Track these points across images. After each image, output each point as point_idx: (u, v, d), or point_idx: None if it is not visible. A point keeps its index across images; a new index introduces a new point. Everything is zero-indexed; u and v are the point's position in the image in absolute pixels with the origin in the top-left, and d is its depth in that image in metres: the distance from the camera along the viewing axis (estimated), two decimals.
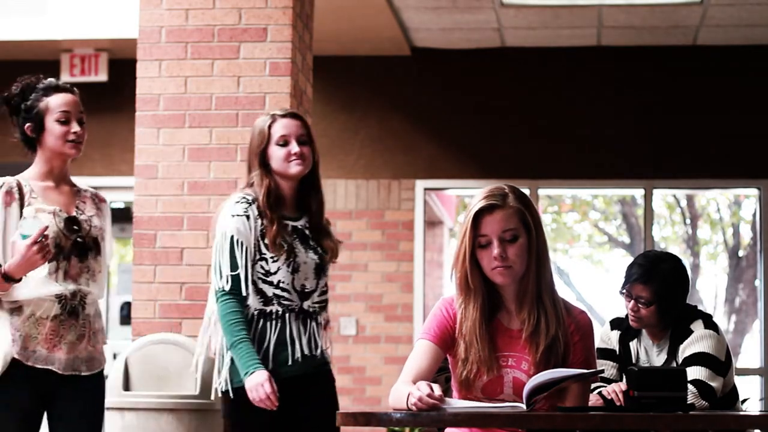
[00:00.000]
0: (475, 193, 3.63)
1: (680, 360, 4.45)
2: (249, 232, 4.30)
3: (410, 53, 9.38)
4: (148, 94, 6.25)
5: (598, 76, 9.32)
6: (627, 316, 4.60)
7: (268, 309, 4.30)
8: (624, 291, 4.56)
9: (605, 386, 4.38)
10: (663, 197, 16.16)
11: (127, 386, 5.77)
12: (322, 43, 8.01)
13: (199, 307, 6.12)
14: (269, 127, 4.41)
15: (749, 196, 14.58)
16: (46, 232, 4.02)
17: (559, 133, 9.24)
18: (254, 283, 4.30)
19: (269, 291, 4.30)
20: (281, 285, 4.30)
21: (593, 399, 4.25)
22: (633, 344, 4.63)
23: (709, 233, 17.05)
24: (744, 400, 5.27)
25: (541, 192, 9.56)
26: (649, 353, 4.60)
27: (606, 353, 4.63)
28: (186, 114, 6.23)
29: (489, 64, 9.33)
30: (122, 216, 9.87)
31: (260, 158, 4.40)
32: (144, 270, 6.14)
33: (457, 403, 3.37)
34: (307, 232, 4.40)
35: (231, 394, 4.31)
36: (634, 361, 4.61)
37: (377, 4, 8.28)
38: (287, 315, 4.31)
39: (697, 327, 4.49)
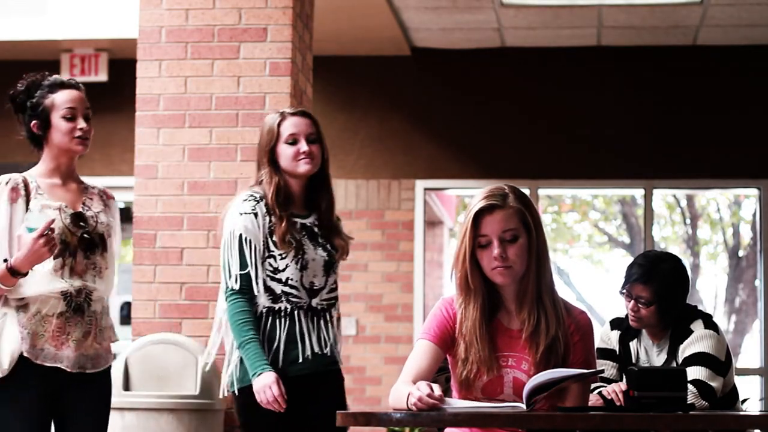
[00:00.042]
0: (475, 193, 3.63)
1: (680, 360, 4.45)
2: (257, 230, 4.28)
3: (410, 53, 9.38)
4: (148, 94, 6.25)
5: (598, 76, 9.32)
6: (627, 316, 4.60)
7: (277, 306, 4.28)
8: (624, 291, 4.56)
9: (605, 386, 4.38)
10: (663, 197, 16.16)
11: (127, 386, 5.77)
12: (322, 43, 8.01)
13: (199, 307, 6.13)
14: (278, 125, 4.40)
15: (749, 196, 14.58)
16: (52, 226, 4.00)
17: (559, 133, 9.24)
18: (263, 280, 4.29)
19: (278, 288, 4.28)
20: (290, 282, 4.29)
21: (593, 399, 4.25)
22: (633, 344, 4.63)
23: (709, 233, 17.05)
24: (744, 400, 5.27)
25: (541, 192, 9.56)
26: (649, 353, 4.60)
27: (606, 353, 4.63)
28: (186, 114, 6.23)
29: (489, 64, 9.33)
30: (122, 216, 9.88)
31: (269, 156, 4.38)
32: (144, 270, 6.15)
33: (457, 403, 3.37)
34: (316, 229, 4.39)
35: (236, 393, 4.29)
36: (634, 361, 4.61)
37: (377, 4, 8.28)
38: (296, 312, 4.29)
39: (697, 327, 4.49)
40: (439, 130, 9.33)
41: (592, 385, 4.32)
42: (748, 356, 15.67)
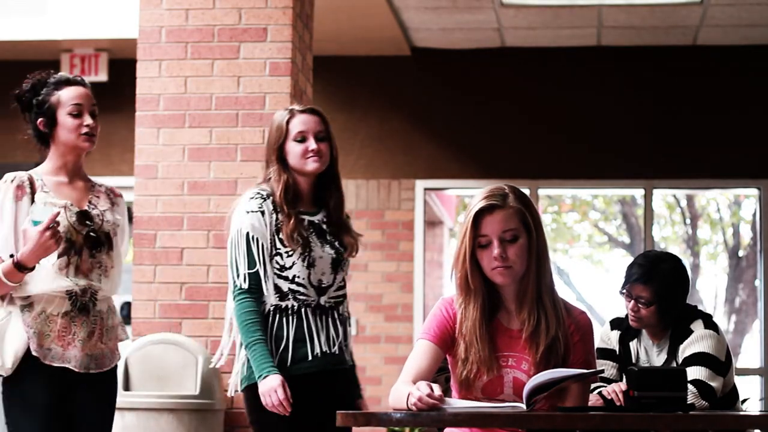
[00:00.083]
0: (475, 193, 3.63)
1: (680, 360, 4.45)
2: (264, 228, 4.26)
3: (410, 53, 9.39)
4: (148, 94, 6.25)
5: (598, 76, 9.32)
6: (627, 316, 4.59)
7: (284, 304, 4.25)
8: (624, 291, 4.56)
9: (605, 386, 4.38)
10: (663, 197, 16.17)
11: (127, 386, 5.77)
12: (322, 43, 8.01)
13: (199, 307, 6.13)
14: (287, 122, 4.36)
15: (749, 196, 14.59)
16: (57, 219, 3.97)
17: (559, 133, 9.24)
18: (271, 278, 4.26)
19: (285, 286, 4.25)
20: (297, 280, 4.26)
21: (593, 399, 4.25)
22: (633, 344, 4.63)
23: (709, 233, 17.05)
24: (744, 400, 5.27)
25: (541, 192, 9.56)
26: (649, 353, 4.60)
27: (606, 353, 4.63)
28: (186, 114, 6.23)
29: (489, 64, 9.34)
30: None
31: (278, 153, 4.35)
32: (144, 270, 6.15)
33: (457, 403, 3.37)
34: (324, 226, 4.36)
35: (246, 390, 4.27)
36: (634, 361, 4.61)
37: (377, 4, 8.28)
38: (303, 310, 4.26)
39: (697, 327, 4.49)
40: (439, 130, 9.34)
41: (592, 385, 4.32)
42: (748, 356, 15.67)
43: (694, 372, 4.35)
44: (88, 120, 4.17)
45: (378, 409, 4.43)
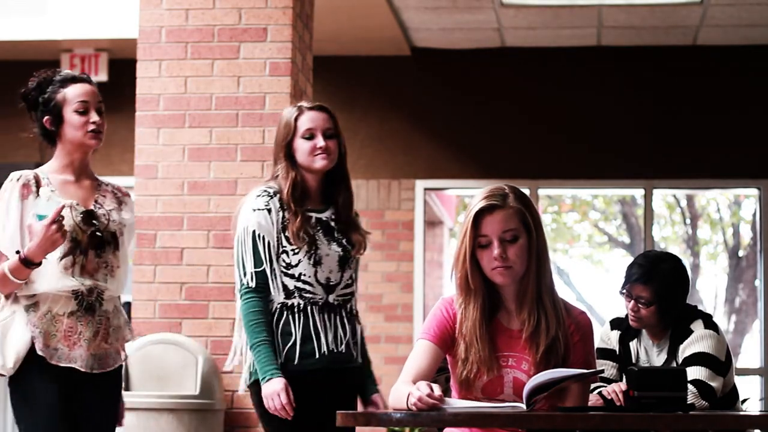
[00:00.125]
0: (475, 193, 3.63)
1: (680, 360, 4.45)
2: (271, 226, 4.23)
3: (410, 53, 9.39)
4: (148, 94, 6.25)
5: (598, 76, 9.32)
6: (627, 316, 4.59)
7: (290, 302, 4.22)
8: (624, 291, 4.56)
9: (605, 386, 4.38)
10: (663, 197, 16.17)
11: (127, 386, 5.78)
12: (322, 43, 8.02)
13: (199, 307, 6.13)
14: (296, 119, 4.34)
15: (749, 196, 14.59)
16: (62, 213, 3.94)
17: (559, 133, 9.24)
18: (278, 276, 4.23)
19: (291, 284, 4.23)
20: (302, 278, 4.23)
21: (593, 399, 4.25)
22: (633, 344, 4.63)
23: (709, 233, 17.05)
24: (744, 400, 5.28)
25: (541, 192, 9.56)
26: (649, 353, 4.60)
27: (606, 353, 4.63)
28: (186, 114, 6.23)
29: (489, 64, 9.34)
30: None
31: (286, 151, 4.32)
32: (144, 270, 6.15)
33: (457, 403, 3.37)
34: (332, 224, 4.33)
35: (254, 386, 4.25)
36: (634, 361, 4.61)
37: (377, 4, 8.28)
38: (309, 308, 4.24)
39: (697, 327, 4.49)
40: (439, 130, 9.34)
41: (592, 385, 4.32)
42: (748, 356, 15.67)
43: (694, 372, 4.35)
44: (94, 117, 4.15)
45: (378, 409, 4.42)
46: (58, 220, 3.93)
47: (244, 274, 4.23)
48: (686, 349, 4.45)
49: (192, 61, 6.25)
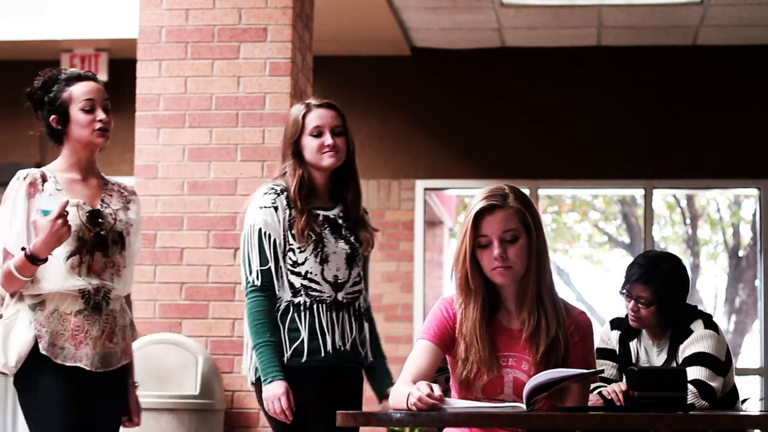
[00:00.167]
0: (475, 193, 3.63)
1: (680, 360, 4.45)
2: (277, 224, 4.21)
3: (410, 53, 9.39)
4: (148, 94, 6.25)
5: (598, 76, 9.32)
6: (627, 316, 4.59)
7: (297, 300, 4.20)
8: (624, 291, 4.56)
9: (605, 386, 4.38)
10: (663, 197, 16.17)
11: None
12: (322, 43, 8.02)
13: (199, 307, 6.13)
14: (303, 116, 4.32)
15: (749, 196, 14.59)
16: (67, 208, 3.91)
17: (559, 133, 9.24)
18: (284, 274, 4.21)
19: (297, 282, 4.21)
20: (309, 276, 4.21)
21: (593, 399, 4.25)
22: (633, 344, 4.63)
23: (709, 233, 17.05)
24: (744, 400, 5.28)
25: (541, 192, 9.56)
26: (649, 353, 4.60)
27: (606, 353, 4.63)
28: (186, 114, 6.23)
29: (489, 64, 9.34)
30: None
31: (293, 148, 4.30)
32: (144, 270, 6.15)
33: (457, 403, 3.37)
34: (340, 221, 4.31)
35: (259, 382, 4.23)
36: (634, 361, 4.61)
37: (377, 4, 8.28)
38: (316, 306, 4.21)
39: (697, 327, 4.49)
40: (439, 130, 9.34)
41: (592, 385, 4.32)
42: (748, 356, 15.67)
43: (694, 372, 4.35)
44: (101, 115, 4.12)
45: (378, 409, 4.42)
46: (63, 214, 3.89)
47: (250, 272, 4.21)
48: (686, 349, 4.45)
49: (192, 61, 6.25)
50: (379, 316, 9.24)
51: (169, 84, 6.24)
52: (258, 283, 4.20)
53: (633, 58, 9.29)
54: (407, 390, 3.32)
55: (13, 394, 10.06)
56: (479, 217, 3.50)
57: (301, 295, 4.22)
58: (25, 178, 4.07)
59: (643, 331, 4.61)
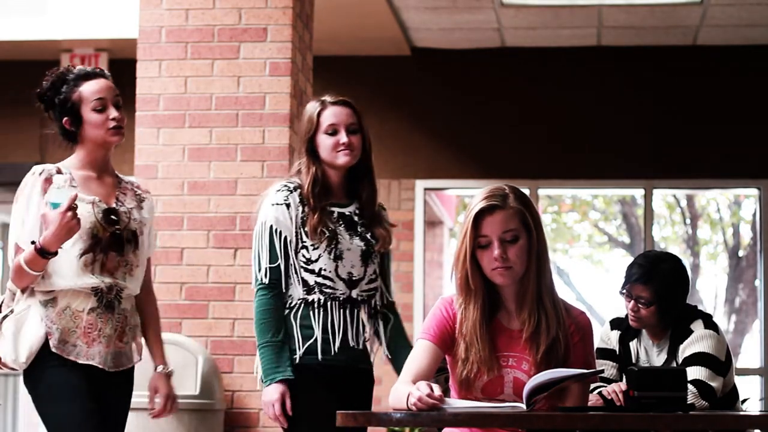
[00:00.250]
0: (475, 193, 3.63)
1: (680, 360, 4.45)
2: (289, 222, 4.17)
3: (410, 53, 9.39)
4: (148, 94, 6.26)
5: (598, 76, 9.32)
6: (627, 316, 4.60)
7: (311, 298, 4.16)
8: (624, 291, 4.56)
9: (605, 386, 4.38)
10: (663, 197, 16.17)
11: None
12: (322, 43, 8.02)
13: (199, 307, 6.13)
14: (318, 114, 4.29)
15: (749, 196, 14.59)
16: (75, 203, 3.87)
17: (559, 133, 9.24)
18: (297, 272, 4.18)
19: (311, 279, 4.16)
20: (323, 273, 4.17)
21: (593, 399, 4.25)
22: (633, 344, 4.63)
23: (709, 233, 17.05)
24: (744, 400, 5.27)
25: (541, 192, 9.56)
26: (649, 353, 4.60)
27: (606, 353, 4.63)
28: (186, 114, 6.24)
29: (489, 64, 9.34)
30: None
31: (308, 146, 4.27)
32: None
33: (457, 403, 3.37)
34: (356, 218, 4.27)
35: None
36: (634, 361, 4.61)
37: (377, 4, 8.28)
38: (329, 304, 4.17)
39: (697, 327, 4.49)
40: (439, 130, 9.34)
41: (592, 385, 4.32)
42: (748, 356, 15.67)
43: (694, 372, 4.35)
44: (113, 113, 4.10)
45: (378, 409, 4.42)
46: (73, 207, 3.86)
47: (259, 269, 4.18)
48: (686, 349, 4.45)
49: (192, 61, 6.25)
50: None
51: (169, 84, 6.24)
52: (266, 280, 4.16)
53: (633, 58, 9.29)
54: (407, 390, 3.32)
55: (13, 394, 10.06)
56: (479, 217, 3.50)
57: (315, 293, 4.17)
58: (40, 174, 4.03)
59: (643, 331, 4.61)
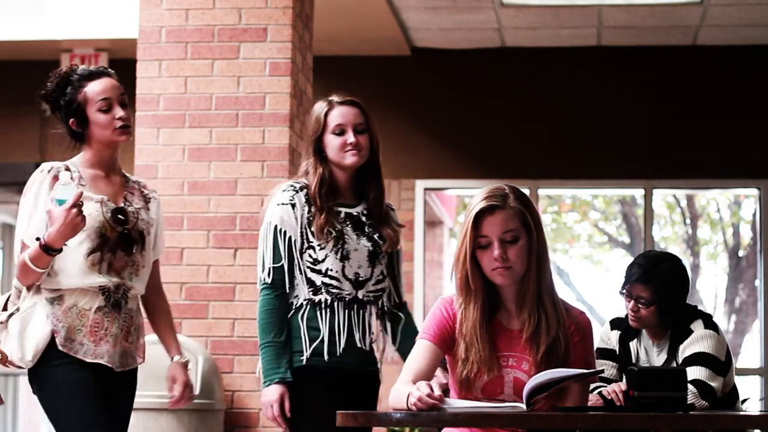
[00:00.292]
0: (475, 193, 3.63)
1: (680, 360, 4.45)
2: (294, 221, 4.15)
3: (410, 53, 9.39)
4: (148, 94, 6.26)
5: (598, 76, 9.32)
6: (627, 316, 4.59)
7: (317, 298, 4.13)
8: (624, 291, 4.56)
9: (605, 386, 4.38)
10: (663, 197, 16.17)
11: None
12: (322, 43, 8.02)
13: (199, 307, 6.13)
14: (326, 114, 4.29)
15: (749, 196, 14.58)
16: (81, 201, 3.86)
17: (559, 133, 9.24)
18: (303, 272, 4.15)
19: (318, 280, 4.13)
20: (329, 273, 4.14)
21: (593, 399, 4.25)
22: (633, 344, 4.63)
23: (709, 233, 17.05)
24: (744, 400, 5.28)
25: (541, 192, 9.56)
26: (649, 353, 4.60)
27: (606, 353, 4.63)
28: (186, 114, 6.24)
29: (489, 64, 9.34)
30: None
31: (315, 146, 4.25)
32: None
33: (457, 403, 3.37)
34: (363, 219, 4.25)
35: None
36: (634, 361, 4.61)
37: (377, 4, 8.28)
38: (336, 304, 4.14)
39: (697, 327, 4.49)
40: (439, 130, 9.34)
41: (592, 385, 4.31)
42: (748, 356, 15.66)
43: (694, 372, 4.35)
44: (119, 112, 4.09)
45: (378, 409, 4.41)
46: (78, 204, 3.84)
47: (263, 269, 4.16)
48: (686, 349, 4.45)
49: (192, 61, 6.25)
50: None
51: (169, 84, 6.24)
52: (269, 280, 4.14)
53: (633, 58, 9.29)
54: (407, 390, 3.32)
55: (12, 394, 10.06)
56: (479, 217, 3.50)
57: (321, 293, 4.14)
58: (49, 171, 4.02)
59: (643, 331, 4.61)
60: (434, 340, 3.56)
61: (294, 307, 4.16)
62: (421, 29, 8.97)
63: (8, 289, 4.15)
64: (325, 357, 4.12)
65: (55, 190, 3.94)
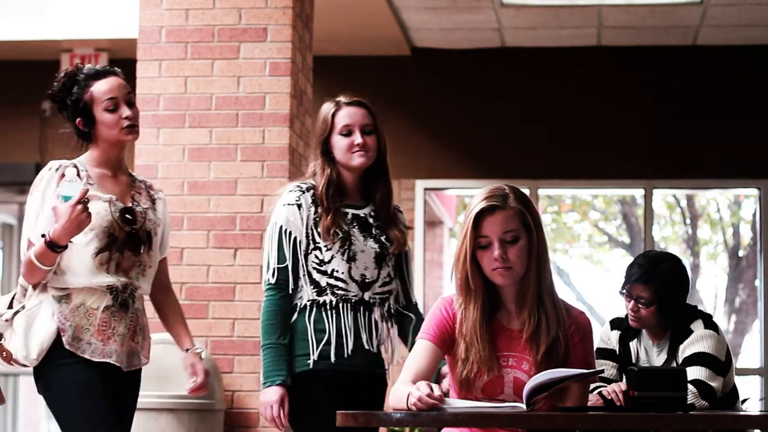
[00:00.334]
0: (475, 193, 3.63)
1: (680, 360, 4.45)
2: (300, 222, 4.13)
3: (410, 53, 9.39)
4: (148, 94, 6.26)
5: (598, 76, 9.32)
6: (627, 316, 4.59)
7: (322, 299, 4.11)
8: (624, 291, 4.56)
9: (605, 386, 4.38)
10: (663, 197, 16.17)
11: None
12: (322, 43, 8.02)
13: (199, 307, 6.13)
14: (333, 115, 4.28)
15: (749, 196, 14.58)
16: (85, 197, 3.85)
17: (559, 133, 9.24)
18: (309, 273, 4.13)
19: (323, 281, 4.11)
20: (335, 274, 4.12)
21: (593, 399, 4.25)
22: (633, 344, 4.63)
23: (709, 233, 17.05)
24: (744, 400, 5.28)
25: (541, 192, 9.56)
26: (649, 353, 4.60)
27: (606, 353, 4.63)
28: (186, 114, 6.24)
29: (489, 64, 9.34)
30: None
31: (322, 147, 4.23)
32: None
33: (457, 403, 3.37)
34: (370, 220, 4.22)
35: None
36: (634, 361, 4.61)
37: (377, 4, 8.28)
38: (341, 305, 4.12)
39: (697, 327, 4.49)
40: (439, 130, 9.34)
41: (592, 385, 4.32)
42: (748, 356, 15.66)
43: (694, 372, 4.35)
44: (126, 112, 4.07)
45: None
46: (84, 201, 3.84)
47: (267, 269, 4.14)
48: (686, 349, 4.45)
49: (192, 61, 6.25)
50: None
51: (169, 84, 6.24)
52: (273, 280, 4.12)
53: (633, 58, 9.29)
54: (407, 390, 3.32)
55: (12, 394, 10.05)
56: (479, 217, 3.50)
57: (326, 294, 4.12)
58: (57, 169, 4.01)
59: (643, 331, 4.61)
60: (434, 340, 3.56)
61: (298, 309, 4.15)
62: (421, 29, 8.98)
63: (8, 289, 4.13)
64: (332, 358, 4.09)
65: (61, 186, 3.93)
